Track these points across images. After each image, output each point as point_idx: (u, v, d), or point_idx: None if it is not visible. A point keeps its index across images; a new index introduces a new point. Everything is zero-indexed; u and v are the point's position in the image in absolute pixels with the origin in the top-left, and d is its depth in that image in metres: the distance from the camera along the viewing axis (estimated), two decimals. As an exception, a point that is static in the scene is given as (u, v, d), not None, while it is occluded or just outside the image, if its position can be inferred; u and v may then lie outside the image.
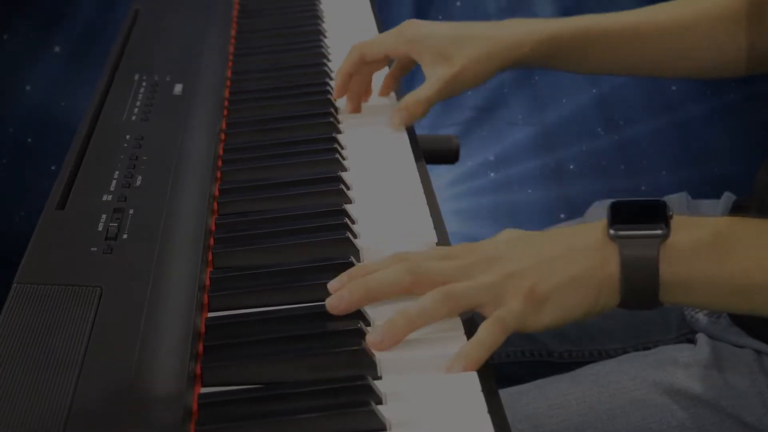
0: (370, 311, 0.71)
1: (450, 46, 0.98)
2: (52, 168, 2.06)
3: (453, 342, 0.68)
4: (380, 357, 0.67)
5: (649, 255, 0.69)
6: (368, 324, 0.70)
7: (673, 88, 2.26)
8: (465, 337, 0.69)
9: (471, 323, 0.71)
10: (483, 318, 0.70)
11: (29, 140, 2.17)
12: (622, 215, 0.70)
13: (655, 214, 0.70)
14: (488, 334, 0.68)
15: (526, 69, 1.05)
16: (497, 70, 0.99)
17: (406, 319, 0.68)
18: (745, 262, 0.69)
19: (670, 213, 0.70)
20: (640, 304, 0.70)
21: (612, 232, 0.70)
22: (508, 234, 0.73)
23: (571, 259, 0.70)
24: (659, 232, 0.69)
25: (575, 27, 1.00)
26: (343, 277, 0.72)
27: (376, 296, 0.70)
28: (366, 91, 1.04)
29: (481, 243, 0.73)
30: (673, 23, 1.01)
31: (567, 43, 1.00)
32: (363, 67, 1.02)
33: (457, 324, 0.70)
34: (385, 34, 1.03)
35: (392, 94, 1.07)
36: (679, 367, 0.89)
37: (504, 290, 0.69)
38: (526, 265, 0.70)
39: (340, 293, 0.70)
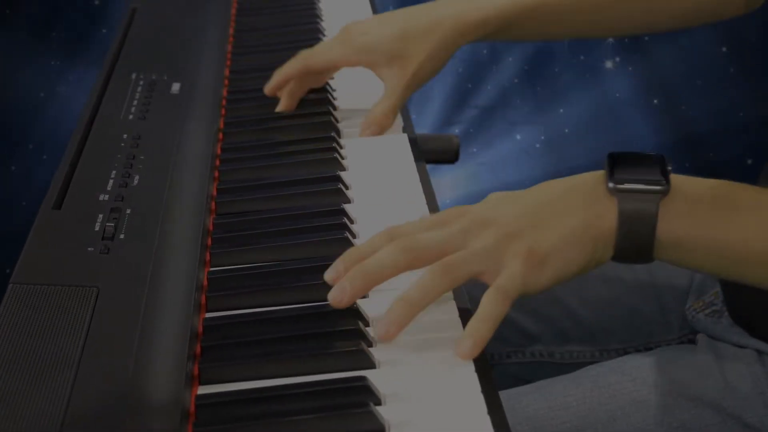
0: (370, 313, 0.71)
1: (401, 46, 0.95)
2: (49, 167, 2.05)
3: (452, 342, 0.67)
4: (379, 357, 0.67)
5: (648, 210, 0.67)
6: (367, 324, 0.70)
7: (678, 86, 2.25)
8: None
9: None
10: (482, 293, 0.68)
11: (25, 139, 2.16)
12: (620, 166, 0.68)
13: (653, 168, 0.68)
14: (492, 306, 0.66)
15: (485, 41, 1.02)
16: (452, 53, 0.96)
17: (408, 303, 0.67)
18: (743, 230, 0.68)
19: (670, 168, 0.69)
20: (633, 259, 0.69)
21: (612, 185, 0.68)
22: (498, 195, 0.71)
23: (567, 214, 0.68)
24: (660, 187, 0.67)
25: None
26: (338, 264, 0.70)
27: (377, 280, 0.68)
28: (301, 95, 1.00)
29: (471, 206, 0.71)
30: None
31: (520, 16, 0.95)
32: (308, 75, 0.99)
33: (457, 324, 0.70)
34: (330, 43, 0.99)
35: None
36: (680, 367, 0.89)
37: (502, 253, 0.67)
38: (522, 225, 0.68)
39: (341, 285, 0.68)
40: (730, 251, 0.68)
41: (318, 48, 1.00)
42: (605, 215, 0.68)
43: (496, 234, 0.68)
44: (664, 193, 0.67)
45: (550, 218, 0.68)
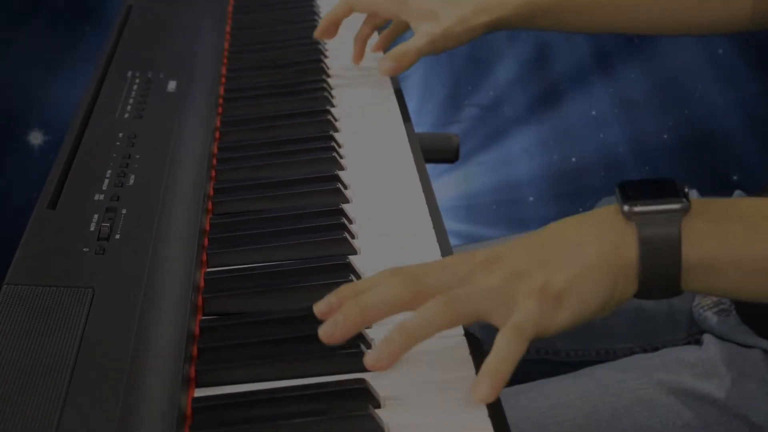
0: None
1: (437, 7, 1.03)
2: (44, 166, 2.04)
3: (452, 342, 0.67)
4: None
5: (670, 233, 0.62)
6: (367, 326, 0.69)
7: (683, 83, 2.25)
8: (464, 338, 0.68)
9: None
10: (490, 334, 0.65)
11: (19, 138, 2.16)
12: (632, 191, 0.64)
13: (669, 189, 0.64)
14: (508, 344, 0.61)
15: (513, 30, 1.10)
16: (482, 30, 1.03)
17: (405, 334, 0.63)
18: None
19: (686, 189, 0.64)
20: (660, 292, 0.64)
21: (626, 208, 0.63)
22: (507, 241, 0.67)
23: (581, 249, 0.63)
24: (679, 206, 0.63)
25: None
26: (332, 298, 0.65)
27: (374, 316, 0.64)
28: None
29: (479, 250, 0.67)
30: None
31: (551, 4, 1.03)
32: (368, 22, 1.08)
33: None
34: None
35: (389, 84, 1.07)
36: (686, 366, 0.88)
37: (512, 293, 0.63)
38: (533, 263, 0.63)
39: (334, 319, 0.63)
40: (762, 263, 0.64)
41: None
42: (624, 244, 0.63)
43: (505, 272, 0.63)
44: (685, 210, 0.63)
45: (562, 254, 0.64)
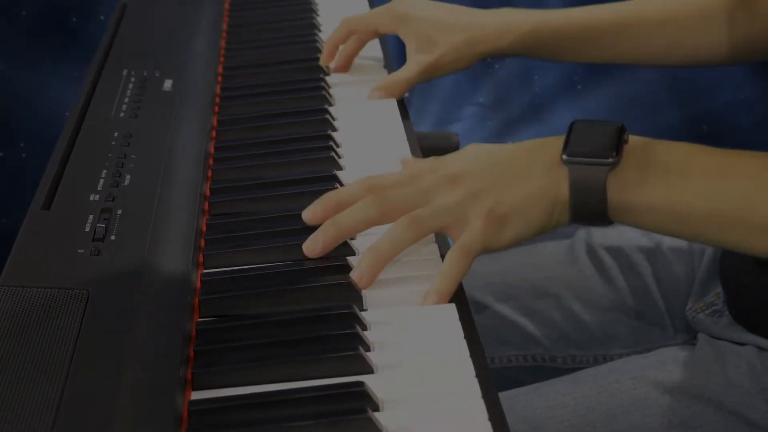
0: (370, 313, 0.70)
1: (434, 32, 1.03)
2: (38, 166, 2.04)
3: (452, 345, 0.67)
4: (377, 362, 0.66)
5: (597, 181, 0.72)
6: (365, 328, 0.69)
7: (685, 81, 2.24)
8: (464, 341, 0.67)
9: (470, 326, 0.69)
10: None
11: (14, 137, 2.15)
12: (578, 135, 0.74)
13: (608, 138, 0.73)
14: (455, 263, 0.72)
15: (507, 57, 1.11)
16: (478, 58, 1.05)
17: (378, 253, 0.73)
18: (689, 193, 0.72)
19: (625, 138, 0.74)
20: (590, 222, 0.74)
21: (564, 156, 0.73)
22: (473, 149, 0.77)
23: (527, 178, 0.74)
24: (609, 160, 0.72)
25: (557, 21, 1.03)
26: (316, 205, 0.77)
27: (349, 233, 0.75)
28: (355, 54, 1.10)
29: (446, 158, 0.77)
30: (661, 15, 1.03)
31: (548, 37, 1.04)
32: (354, 36, 1.09)
33: (457, 327, 0.69)
34: (377, 9, 1.09)
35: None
36: (680, 365, 0.89)
37: (466, 211, 0.73)
38: (486, 185, 0.74)
39: (315, 237, 0.75)
40: (678, 213, 0.73)
41: (364, 14, 1.10)
42: (559, 183, 0.74)
43: (461, 192, 0.74)
44: (614, 164, 0.72)
45: (512, 180, 0.74)
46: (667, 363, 0.89)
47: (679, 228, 0.74)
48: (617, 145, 0.73)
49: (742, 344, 0.89)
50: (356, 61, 1.11)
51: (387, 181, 0.76)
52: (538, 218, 0.74)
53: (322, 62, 1.09)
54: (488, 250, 0.74)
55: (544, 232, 0.75)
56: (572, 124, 0.75)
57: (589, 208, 0.73)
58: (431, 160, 0.77)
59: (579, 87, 2.28)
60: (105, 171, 0.84)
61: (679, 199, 0.72)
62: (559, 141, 0.75)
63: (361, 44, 1.09)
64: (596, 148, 0.73)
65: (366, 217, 0.75)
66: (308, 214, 0.77)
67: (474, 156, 0.76)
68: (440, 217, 0.74)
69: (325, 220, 0.76)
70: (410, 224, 0.73)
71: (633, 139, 0.74)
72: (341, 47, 1.09)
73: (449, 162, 0.76)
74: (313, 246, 0.75)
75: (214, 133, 0.96)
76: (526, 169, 0.74)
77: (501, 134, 2.27)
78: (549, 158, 0.74)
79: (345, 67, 1.09)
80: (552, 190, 0.73)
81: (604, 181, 0.72)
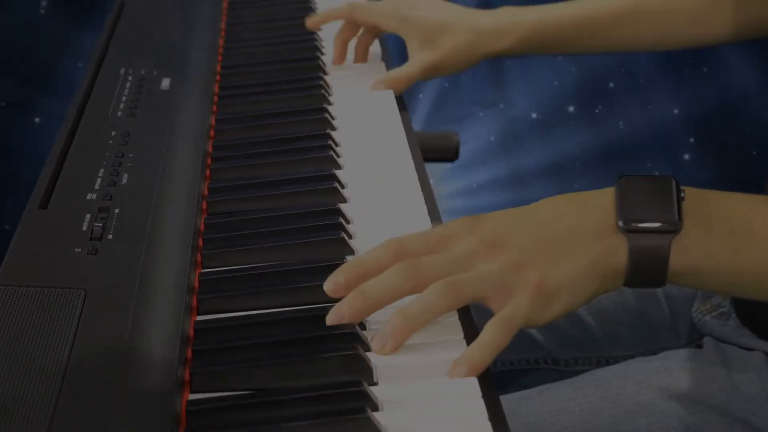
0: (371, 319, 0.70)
1: (437, 33, 1.03)
2: (35, 165, 2.03)
3: (452, 346, 0.66)
4: (377, 362, 0.65)
5: (660, 248, 0.67)
6: (363, 328, 0.69)
7: (686, 80, 2.24)
8: (465, 341, 0.67)
9: (471, 327, 0.69)
10: (485, 317, 0.67)
11: (11, 136, 2.15)
12: (630, 197, 0.68)
13: (666, 198, 0.68)
14: (494, 335, 0.65)
15: (509, 57, 1.11)
16: (479, 59, 1.05)
17: (407, 319, 0.65)
18: (758, 251, 0.68)
19: (683, 194, 0.68)
20: (643, 286, 0.69)
21: (621, 224, 0.67)
22: (506, 214, 0.71)
23: (576, 247, 0.67)
24: (672, 227, 0.67)
25: (556, 18, 1.04)
26: (338, 275, 0.68)
27: (376, 306, 0.67)
28: (370, 44, 1.10)
29: (479, 219, 0.70)
30: (661, 4, 1.04)
31: (548, 34, 1.04)
32: (352, 25, 1.09)
33: (457, 328, 0.69)
34: (381, 4, 1.08)
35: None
36: (686, 371, 0.88)
37: (509, 283, 0.66)
38: (530, 255, 0.67)
39: (339, 309, 0.67)
40: (746, 275, 0.68)
41: (368, 4, 1.09)
42: (616, 251, 0.67)
43: (503, 261, 0.67)
44: (677, 231, 0.67)
45: (559, 249, 0.67)
46: (672, 368, 0.88)
47: (746, 289, 0.70)
48: (678, 206, 0.67)
49: (749, 350, 0.88)
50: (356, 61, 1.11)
51: (417, 244, 0.69)
52: (589, 290, 0.68)
53: (334, 63, 1.09)
54: (531, 325, 0.67)
55: (589, 302, 0.69)
56: (619, 180, 0.69)
57: (648, 274, 0.67)
58: (463, 221, 0.70)
59: (581, 86, 2.28)
60: (102, 170, 0.83)
61: (746, 257, 0.68)
62: (606, 199, 0.68)
63: (373, 37, 1.09)
64: (655, 211, 0.67)
65: (398, 288, 0.67)
66: (330, 286, 0.68)
67: (510, 220, 0.69)
68: (480, 286, 0.66)
69: (349, 292, 0.68)
70: (447, 290, 0.65)
71: (689, 193, 0.69)
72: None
73: (484, 224, 0.69)
74: (338, 318, 0.67)
75: (212, 132, 0.96)
76: (572, 236, 0.67)
77: (501, 134, 2.27)
78: (600, 223, 0.68)
79: (363, 57, 1.09)
80: (605, 259, 0.67)
81: (668, 247, 0.67)
